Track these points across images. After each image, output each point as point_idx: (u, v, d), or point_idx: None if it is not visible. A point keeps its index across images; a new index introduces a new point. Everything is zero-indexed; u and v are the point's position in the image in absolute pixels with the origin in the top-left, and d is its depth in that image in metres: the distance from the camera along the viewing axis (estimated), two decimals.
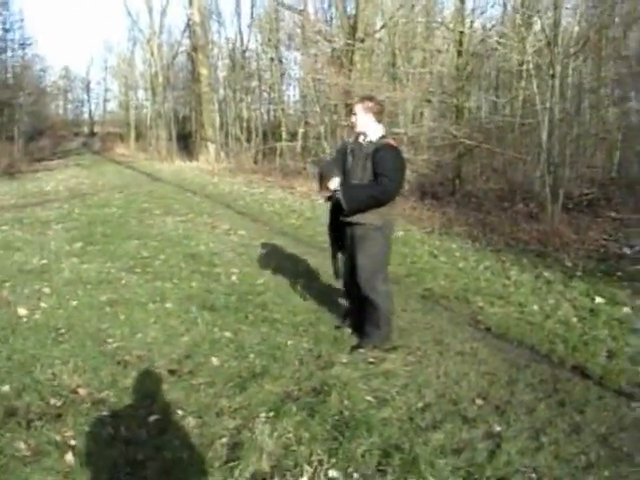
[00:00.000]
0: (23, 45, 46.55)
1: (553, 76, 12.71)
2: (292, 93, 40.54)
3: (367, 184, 5.80)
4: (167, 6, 46.85)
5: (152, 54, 45.70)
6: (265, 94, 36.35)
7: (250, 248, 10.74)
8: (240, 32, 38.16)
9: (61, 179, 23.05)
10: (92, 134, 69.59)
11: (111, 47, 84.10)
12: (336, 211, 6.07)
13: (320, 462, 3.88)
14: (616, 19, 15.47)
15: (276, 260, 9.68)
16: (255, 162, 29.88)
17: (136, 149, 48.89)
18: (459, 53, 16.34)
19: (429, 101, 16.99)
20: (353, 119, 6.08)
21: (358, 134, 6.06)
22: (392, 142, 5.91)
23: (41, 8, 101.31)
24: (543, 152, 12.69)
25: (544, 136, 12.63)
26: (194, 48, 37.43)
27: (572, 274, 8.85)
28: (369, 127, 5.95)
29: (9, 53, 44.27)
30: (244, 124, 34.08)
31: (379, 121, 6.03)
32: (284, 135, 29.80)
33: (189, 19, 38.84)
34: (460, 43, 16.34)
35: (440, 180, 17.88)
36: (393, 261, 7.57)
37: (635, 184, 14.96)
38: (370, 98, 6.18)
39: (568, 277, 8.71)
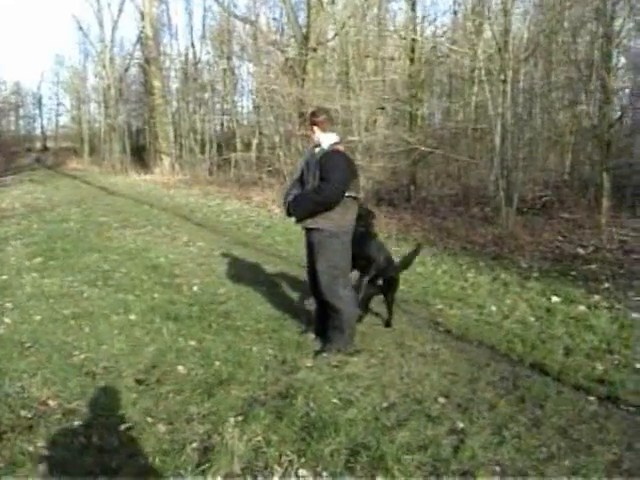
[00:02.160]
0: None
1: (504, 81, 12.98)
2: (245, 104, 40.63)
3: (310, 189, 6.00)
4: (118, 19, 46.26)
5: (104, 67, 45.35)
6: (218, 105, 36.28)
7: (210, 258, 10.81)
8: (192, 44, 38.20)
9: (16, 195, 22.75)
10: (45, 149, 68.77)
11: (62, 61, 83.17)
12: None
13: (290, 462, 3.97)
14: (565, 24, 15.80)
15: (236, 270, 9.76)
16: (210, 174, 29.83)
17: (90, 163, 48.36)
18: (411, 60, 16.58)
19: (382, 108, 17.18)
20: (309, 132, 6.27)
21: (314, 146, 6.22)
22: (340, 148, 6.05)
23: None
24: (496, 156, 12.90)
25: (497, 141, 12.87)
26: (146, 60, 37.34)
27: (528, 275, 9.08)
28: (322, 138, 6.12)
29: None
30: (198, 136, 33.93)
31: (332, 131, 6.18)
32: (238, 146, 29.82)
33: (141, 32, 38.74)
34: (412, 50, 16.58)
35: (396, 187, 18.05)
36: None
37: (587, 185, 15.28)
38: (322, 109, 6.37)
39: (524, 278, 8.94)
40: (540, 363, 5.91)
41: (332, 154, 5.97)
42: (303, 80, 23.39)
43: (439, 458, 4.08)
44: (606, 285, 8.42)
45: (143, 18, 36.86)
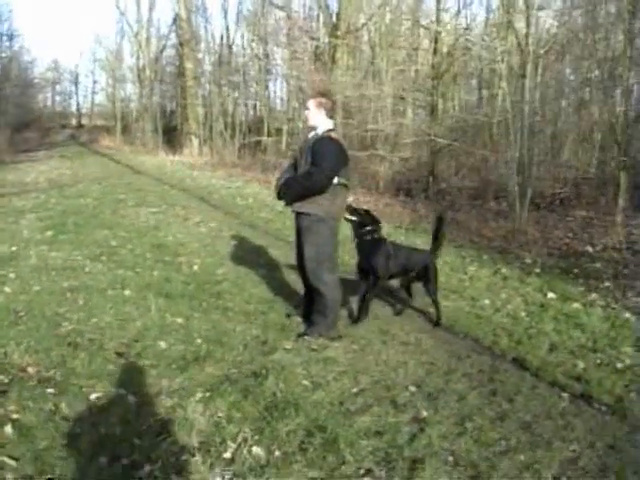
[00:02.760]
0: (10, 37, 46.48)
1: (523, 76, 12.89)
2: (279, 89, 40.56)
3: (299, 175, 6.08)
4: (155, 0, 46.44)
5: (140, 47, 45.78)
6: (252, 89, 36.35)
7: (217, 239, 10.92)
8: (227, 28, 38.35)
9: (43, 170, 23.12)
10: (80, 126, 69.46)
11: (100, 40, 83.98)
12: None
13: (245, 440, 4.01)
14: (599, 20, 15.62)
15: (240, 251, 9.86)
16: (238, 157, 29.98)
17: (122, 142, 48.89)
18: (434, 52, 16.50)
19: (402, 98, 17.12)
20: (306, 113, 6.32)
21: (310, 129, 6.26)
22: (333, 135, 6.09)
23: (30, 1, 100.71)
24: (512, 151, 12.80)
25: (513, 135, 12.78)
26: (180, 42, 37.61)
27: (530, 271, 9.04)
28: (319, 122, 6.16)
29: None
30: (229, 119, 34.03)
31: (330, 117, 6.25)
32: (267, 131, 29.92)
33: (176, 13, 38.95)
34: (436, 41, 16.51)
35: (416, 177, 18.05)
36: (350, 254, 7.75)
37: (607, 184, 15.13)
38: (323, 94, 6.39)
39: (526, 273, 8.90)
40: (522, 358, 5.89)
41: (325, 140, 6.02)
42: (332, 68, 23.40)
43: (394, 444, 4.10)
44: (606, 284, 8.35)
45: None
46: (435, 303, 6.86)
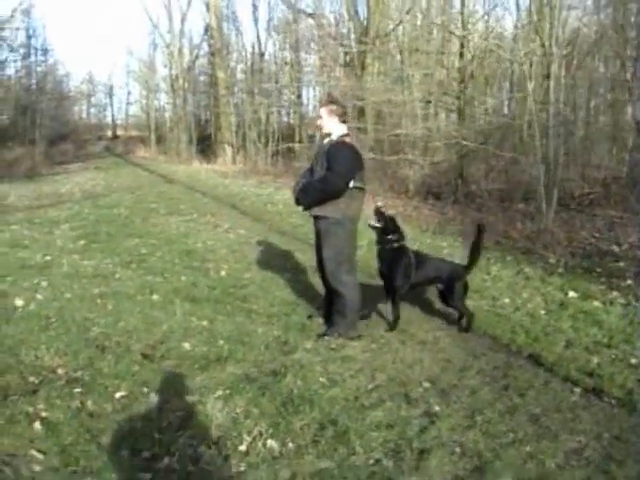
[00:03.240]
0: (45, 51, 47.32)
1: (548, 77, 12.95)
2: (310, 95, 40.72)
3: (315, 180, 6.27)
4: (187, 12, 46.97)
5: (172, 58, 46.27)
6: (283, 97, 36.57)
7: (245, 246, 11.17)
8: (258, 36, 38.68)
9: (78, 182, 23.63)
10: (115, 137, 70.39)
11: (133, 52, 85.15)
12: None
13: (260, 433, 4.22)
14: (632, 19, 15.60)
15: (267, 256, 10.09)
16: (271, 164, 30.23)
17: (157, 152, 49.51)
18: (461, 55, 16.61)
19: (429, 102, 17.27)
20: (319, 122, 6.51)
21: (324, 135, 6.46)
22: (347, 140, 6.28)
23: (63, 15, 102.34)
24: (537, 152, 12.86)
25: (538, 137, 12.83)
26: (212, 52, 38.05)
27: (553, 270, 9.11)
28: (333, 128, 6.36)
29: (32, 59, 44.98)
30: (261, 127, 34.19)
31: (343, 122, 6.42)
32: (300, 137, 30.14)
33: (207, 23, 39.44)
34: (462, 45, 16.62)
35: (445, 181, 18.13)
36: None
37: (636, 184, 15.08)
38: (333, 101, 6.60)
39: (548, 273, 8.98)
40: (537, 354, 6.02)
41: (339, 145, 6.21)
42: (362, 74, 23.58)
43: (404, 436, 4.28)
44: (628, 282, 8.38)
45: (208, 9, 37.51)
46: (463, 313, 6.92)
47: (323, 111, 6.40)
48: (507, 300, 7.76)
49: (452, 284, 6.84)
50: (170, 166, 35.37)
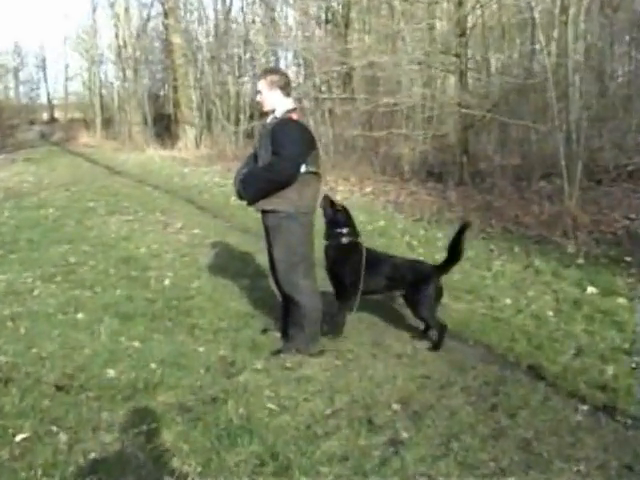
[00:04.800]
0: None
1: (565, 23, 12.97)
2: (289, 60, 40.17)
3: (259, 167, 6.29)
4: None
5: (118, 20, 45.99)
6: (256, 64, 35.98)
7: (198, 248, 11.27)
8: None
9: (1, 178, 23.62)
10: (52, 121, 69.89)
11: (68, 14, 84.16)
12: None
13: (186, 474, 4.30)
14: None
15: (224, 260, 10.19)
16: (243, 147, 30.02)
17: (104, 137, 49.42)
18: (459, 3, 16.51)
19: (420, 64, 17.30)
20: (258, 98, 6.53)
21: (267, 113, 6.52)
22: (294, 116, 6.31)
23: None
24: (554, 118, 12.89)
25: (554, 98, 12.84)
26: (165, 12, 37.70)
27: (570, 262, 9.22)
28: (276, 103, 6.38)
29: None
30: (230, 102, 33.61)
31: (287, 94, 6.45)
32: None
33: None
34: None
35: (451, 159, 18.13)
36: None
37: None
38: (273, 71, 6.67)
39: (564, 266, 9.09)
40: (539, 365, 6.13)
41: (285, 123, 6.22)
42: (346, 32, 23.63)
43: (359, 471, 4.36)
44: None
45: None
46: (435, 327, 6.80)
47: (262, 84, 6.40)
48: (508, 301, 7.87)
49: (417, 289, 6.76)
50: (119, 155, 35.40)
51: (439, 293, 6.84)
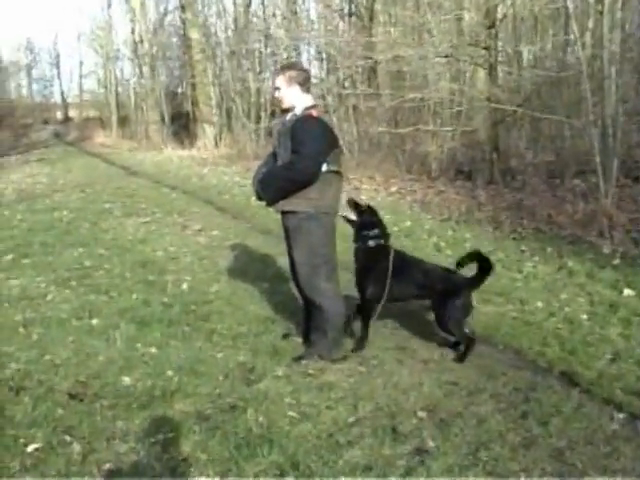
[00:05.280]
0: None
1: (601, 13, 12.90)
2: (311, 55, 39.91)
3: (279, 166, 6.30)
4: None
5: (134, 15, 46.07)
6: (277, 59, 35.82)
7: (217, 250, 11.32)
8: None
9: (14, 179, 23.78)
10: (66, 120, 69.95)
11: (82, 9, 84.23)
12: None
13: None
14: None
15: (243, 263, 10.21)
16: (265, 146, 30.01)
17: (120, 137, 49.61)
18: None
19: (448, 56, 17.25)
20: (277, 94, 6.52)
21: (286, 110, 6.52)
22: (314, 113, 6.31)
23: None
24: (589, 113, 12.83)
25: (588, 91, 12.77)
26: (182, 5, 37.71)
27: (605, 263, 9.18)
28: (295, 100, 6.39)
29: None
30: (251, 99, 33.47)
31: (307, 91, 6.47)
32: None
33: None
34: None
35: (481, 156, 18.10)
36: None
37: None
38: (291, 66, 6.67)
39: (599, 267, 9.05)
40: (572, 372, 6.11)
41: (305, 120, 6.23)
42: (370, 25, 23.60)
43: None
44: None
45: None
46: (461, 340, 6.67)
47: (281, 80, 6.40)
48: (540, 304, 7.84)
49: (445, 300, 6.62)
50: (136, 155, 35.62)
51: (468, 308, 6.70)
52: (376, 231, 6.88)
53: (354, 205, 6.94)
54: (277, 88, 6.46)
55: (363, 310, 6.84)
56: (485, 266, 6.66)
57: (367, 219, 6.93)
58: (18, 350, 6.83)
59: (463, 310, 6.61)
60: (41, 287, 9.21)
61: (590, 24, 14.78)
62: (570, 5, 13.79)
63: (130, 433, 5.08)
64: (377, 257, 6.79)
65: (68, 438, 5.02)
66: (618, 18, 12.86)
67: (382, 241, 6.90)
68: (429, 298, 6.84)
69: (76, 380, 6.07)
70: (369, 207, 7.09)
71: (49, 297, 8.74)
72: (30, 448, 4.89)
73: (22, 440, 4.99)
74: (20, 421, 5.30)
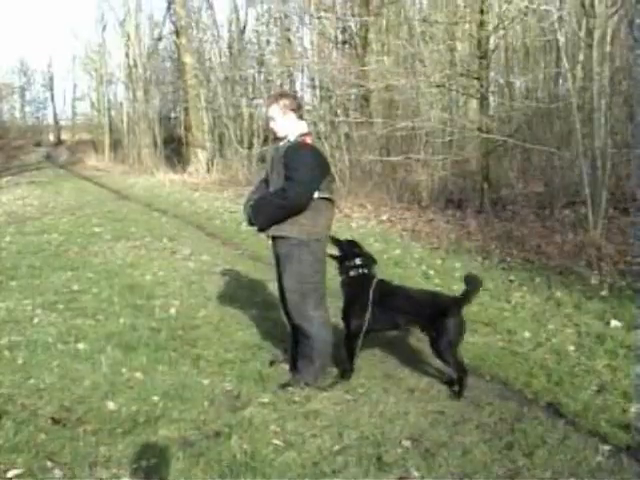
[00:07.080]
0: None
1: (590, 46, 13.00)
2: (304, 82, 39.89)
3: (271, 192, 6.32)
4: None
5: (128, 39, 46.31)
6: (270, 86, 35.89)
7: (207, 275, 11.29)
8: (236, 8, 38.14)
9: (4, 201, 23.78)
10: (58, 143, 69.94)
11: (77, 33, 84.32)
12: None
13: None
14: None
15: (232, 288, 10.19)
16: (257, 172, 30.03)
17: (113, 160, 49.66)
18: (481, 24, 16.57)
19: (440, 86, 17.36)
20: (271, 125, 6.56)
21: (280, 139, 6.56)
22: (308, 140, 6.35)
23: None
24: (579, 144, 12.90)
25: (578, 123, 12.86)
26: (176, 31, 37.90)
27: (593, 294, 9.18)
28: (290, 128, 6.42)
29: None
30: (243, 124, 33.51)
31: (300, 117, 6.51)
32: None
33: None
34: (482, 11, 16.55)
35: (471, 185, 18.19)
36: None
37: None
38: (284, 94, 6.74)
39: (586, 298, 9.06)
40: (558, 402, 6.09)
41: (299, 147, 6.27)
42: (364, 53, 23.69)
43: None
44: None
45: None
46: (454, 369, 6.45)
47: (275, 110, 6.42)
48: (527, 334, 7.83)
49: (436, 324, 6.44)
50: (127, 178, 35.66)
51: (461, 327, 6.50)
52: (357, 261, 6.86)
53: (334, 241, 6.91)
54: (271, 118, 6.48)
55: (347, 341, 6.79)
56: (473, 282, 6.55)
57: (347, 250, 6.94)
58: (2, 374, 6.78)
59: (455, 330, 6.40)
60: (27, 310, 9.16)
61: (581, 57, 14.85)
62: (561, 38, 13.89)
63: (113, 459, 5.05)
64: (359, 287, 6.74)
65: (49, 464, 4.98)
66: (607, 52, 12.94)
67: (365, 270, 6.87)
68: (420, 324, 6.69)
69: (60, 405, 6.04)
70: (348, 240, 7.15)
71: (35, 320, 8.70)
72: (10, 474, 4.85)
73: (1, 466, 4.95)
74: (1, 446, 5.24)
